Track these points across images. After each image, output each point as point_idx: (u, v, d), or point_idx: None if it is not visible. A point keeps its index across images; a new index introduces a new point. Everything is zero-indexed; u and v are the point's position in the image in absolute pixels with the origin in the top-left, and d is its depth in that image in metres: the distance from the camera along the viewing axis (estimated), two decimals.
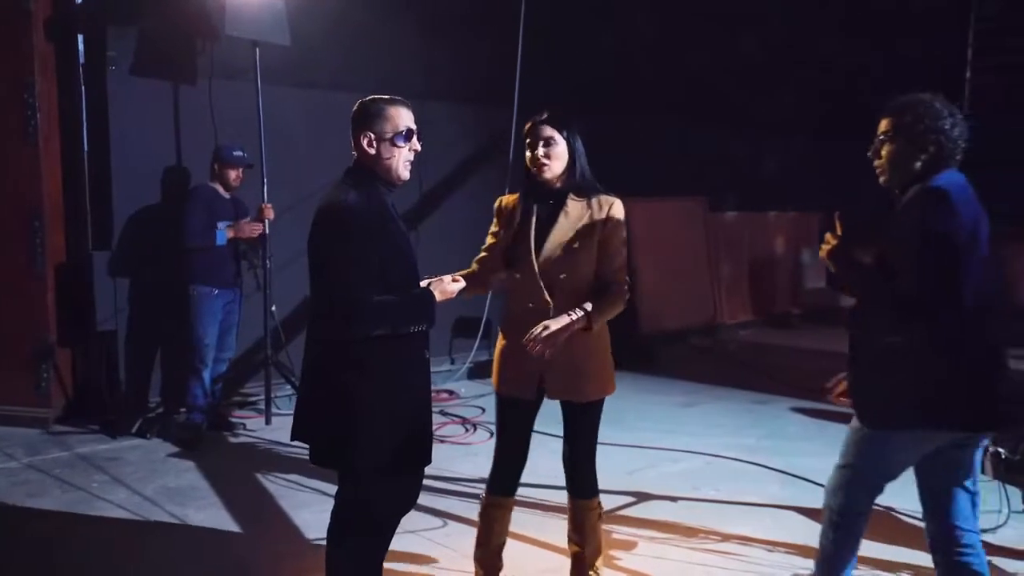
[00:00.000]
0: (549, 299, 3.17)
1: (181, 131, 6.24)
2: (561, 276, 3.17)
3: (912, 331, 2.70)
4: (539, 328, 3.05)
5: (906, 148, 2.78)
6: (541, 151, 3.18)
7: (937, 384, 2.73)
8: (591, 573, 3.42)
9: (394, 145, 2.83)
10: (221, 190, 5.74)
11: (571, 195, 3.23)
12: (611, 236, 3.22)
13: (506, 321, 3.34)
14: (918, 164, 2.77)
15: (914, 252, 2.61)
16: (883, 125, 2.86)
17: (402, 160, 2.86)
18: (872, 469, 2.95)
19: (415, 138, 2.88)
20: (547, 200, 3.25)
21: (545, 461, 5.18)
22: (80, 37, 5.99)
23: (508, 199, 3.38)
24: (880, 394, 2.82)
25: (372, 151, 2.83)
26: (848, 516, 3.05)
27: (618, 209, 3.24)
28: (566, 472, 3.38)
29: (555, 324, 3.07)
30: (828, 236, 2.91)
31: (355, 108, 2.88)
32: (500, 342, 3.36)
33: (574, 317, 3.10)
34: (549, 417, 3.41)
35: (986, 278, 2.74)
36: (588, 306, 3.14)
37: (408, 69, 7.08)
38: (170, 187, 6.20)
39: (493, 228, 3.38)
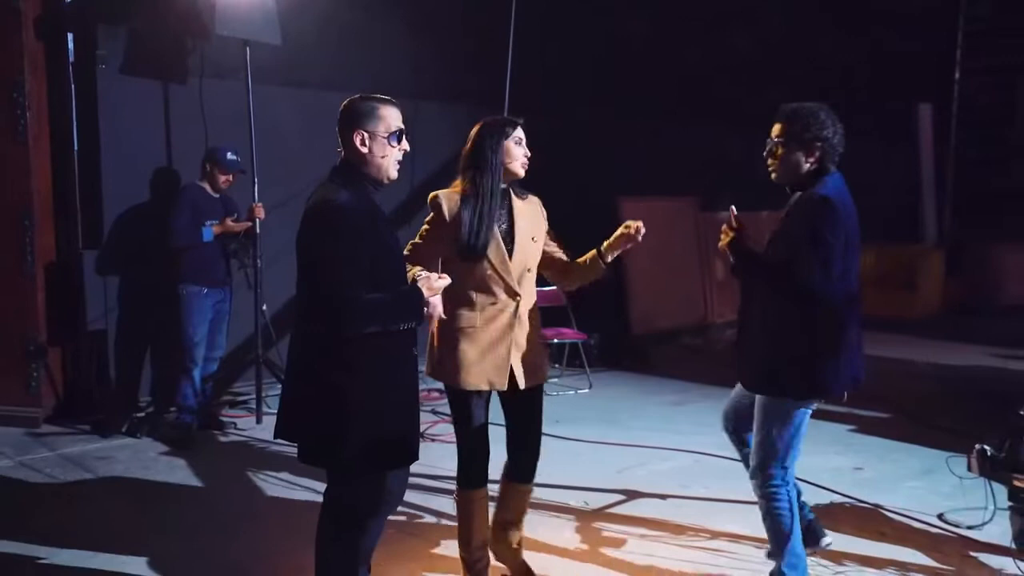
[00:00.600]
0: (519, 291, 3.34)
1: (171, 130, 6.24)
2: (528, 270, 3.38)
3: (788, 313, 3.22)
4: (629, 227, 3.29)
5: (796, 152, 3.23)
6: (527, 152, 3.37)
7: (802, 358, 3.23)
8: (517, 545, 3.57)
9: (387, 144, 2.85)
10: (209, 190, 5.74)
11: (513, 194, 3.40)
12: (548, 227, 3.52)
13: (468, 315, 3.32)
14: (806, 166, 3.25)
15: (804, 250, 3.12)
16: (776, 130, 3.28)
17: (392, 159, 2.89)
18: (776, 432, 3.29)
19: (404, 138, 2.91)
20: (500, 198, 3.35)
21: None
22: (70, 36, 5.97)
23: (448, 193, 3.36)
24: (757, 363, 3.35)
25: (364, 149, 2.84)
26: (769, 486, 3.36)
27: (541, 204, 3.52)
28: (516, 458, 3.49)
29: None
30: (725, 228, 3.33)
31: (344, 106, 2.88)
32: (460, 337, 3.32)
33: None
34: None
35: (854, 270, 3.27)
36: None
37: (399, 68, 7.08)
38: (160, 186, 6.19)
39: (431, 221, 3.36)
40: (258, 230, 5.90)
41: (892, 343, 9.15)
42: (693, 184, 9.87)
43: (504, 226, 3.34)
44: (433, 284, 2.96)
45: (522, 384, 3.36)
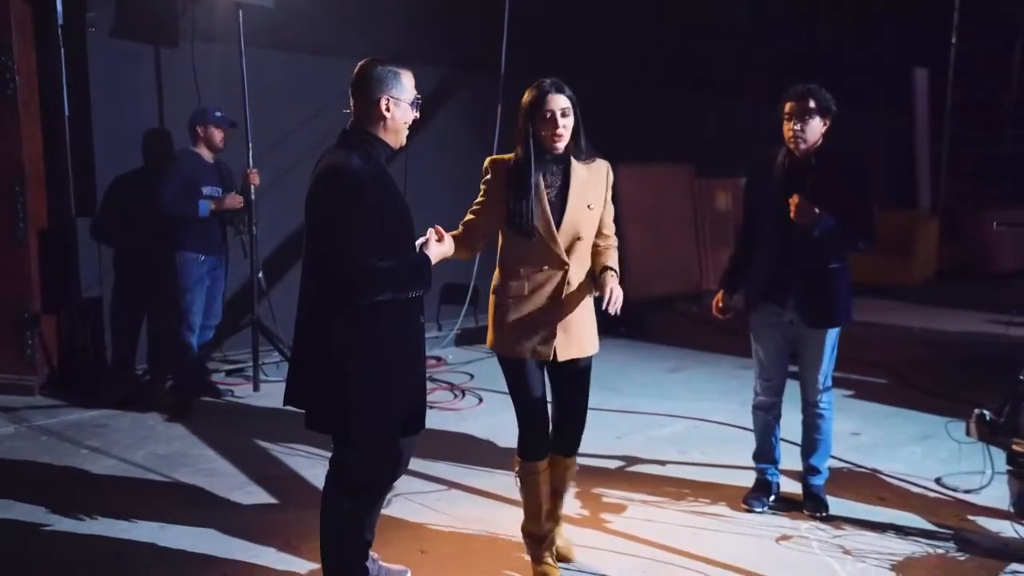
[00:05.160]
0: (567, 260, 3.26)
1: (163, 94, 6.15)
2: (579, 238, 3.27)
3: (835, 260, 3.86)
4: (612, 292, 3.18)
5: (821, 121, 3.79)
6: (561, 122, 3.19)
7: (846, 293, 3.95)
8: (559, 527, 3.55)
9: (410, 111, 2.87)
10: (206, 155, 5.65)
11: (573, 160, 3.28)
12: (609, 197, 3.38)
13: (516, 285, 3.28)
14: (822, 133, 3.81)
15: (872, 205, 3.89)
16: (805, 103, 3.74)
17: (407, 126, 2.90)
18: (833, 354, 3.97)
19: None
20: (552, 166, 3.27)
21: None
22: None
23: (500, 159, 3.32)
24: (825, 302, 3.93)
25: (388, 115, 2.83)
26: (755, 403, 4.13)
27: (610, 170, 3.38)
28: (557, 430, 3.42)
29: (615, 283, 3.23)
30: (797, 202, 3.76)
31: (364, 71, 2.85)
32: (510, 306, 3.28)
33: (616, 275, 3.29)
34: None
35: None
36: (611, 264, 3.33)
37: (392, 32, 6.99)
38: (153, 151, 6.11)
39: (484, 189, 3.34)
40: (253, 197, 5.83)
41: (888, 309, 9.19)
42: (688, 151, 9.84)
43: (555, 192, 3.25)
44: (441, 249, 2.96)
45: (562, 356, 3.26)
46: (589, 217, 3.28)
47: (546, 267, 3.24)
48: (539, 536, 3.41)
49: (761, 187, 4.00)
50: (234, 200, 5.67)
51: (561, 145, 3.21)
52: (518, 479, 3.41)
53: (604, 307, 3.18)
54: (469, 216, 3.37)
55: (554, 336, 3.25)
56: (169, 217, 5.48)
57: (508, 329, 3.28)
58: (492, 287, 3.36)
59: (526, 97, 3.23)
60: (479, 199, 3.36)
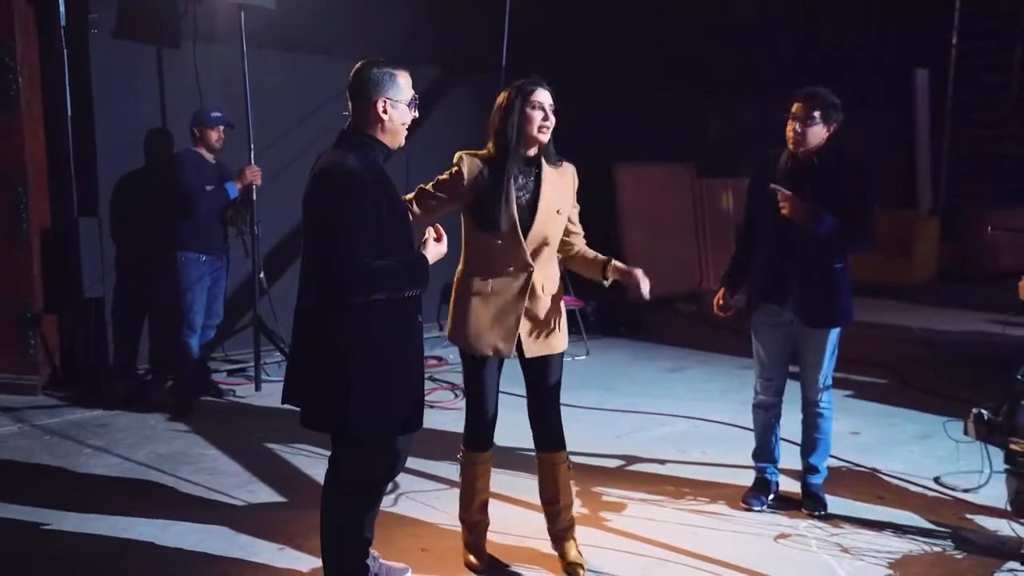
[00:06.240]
0: (532, 262, 3.29)
1: (165, 95, 6.17)
2: (546, 243, 3.31)
3: (835, 258, 3.87)
4: (639, 274, 3.29)
5: (824, 126, 3.81)
6: (550, 118, 3.23)
7: (847, 292, 3.95)
8: (570, 533, 3.52)
9: (408, 112, 2.88)
10: (206, 155, 5.67)
11: (544, 163, 3.32)
12: (576, 199, 3.45)
13: (480, 282, 3.30)
14: (823, 137, 3.84)
15: (870, 201, 3.88)
16: (809, 107, 3.79)
17: (406, 127, 2.91)
18: (833, 354, 3.98)
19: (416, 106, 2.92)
20: (525, 166, 3.29)
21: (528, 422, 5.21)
22: None
23: (474, 154, 3.29)
24: (824, 302, 3.94)
25: (385, 117, 2.84)
26: (756, 402, 4.16)
27: (575, 173, 3.44)
28: (535, 428, 3.48)
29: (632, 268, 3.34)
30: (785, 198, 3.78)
31: (360, 73, 2.86)
32: (472, 303, 3.30)
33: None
34: (520, 377, 3.46)
35: None
36: (601, 255, 3.43)
37: (394, 32, 7.01)
38: (155, 151, 6.14)
39: (449, 176, 3.30)
40: (255, 196, 5.85)
41: (888, 309, 9.21)
42: (689, 151, 9.85)
43: (527, 196, 3.25)
44: (439, 248, 2.98)
45: (528, 353, 3.33)
46: (558, 222, 3.32)
47: (511, 268, 3.27)
48: (470, 523, 3.52)
49: (762, 187, 4.01)
50: (253, 171, 5.71)
51: (545, 138, 3.24)
52: (459, 466, 3.50)
53: (636, 291, 3.29)
54: (430, 189, 3.34)
55: (516, 335, 3.29)
56: (201, 212, 5.48)
57: (470, 325, 3.31)
58: (455, 279, 3.38)
59: (505, 95, 3.25)
60: (443, 180, 3.31)
